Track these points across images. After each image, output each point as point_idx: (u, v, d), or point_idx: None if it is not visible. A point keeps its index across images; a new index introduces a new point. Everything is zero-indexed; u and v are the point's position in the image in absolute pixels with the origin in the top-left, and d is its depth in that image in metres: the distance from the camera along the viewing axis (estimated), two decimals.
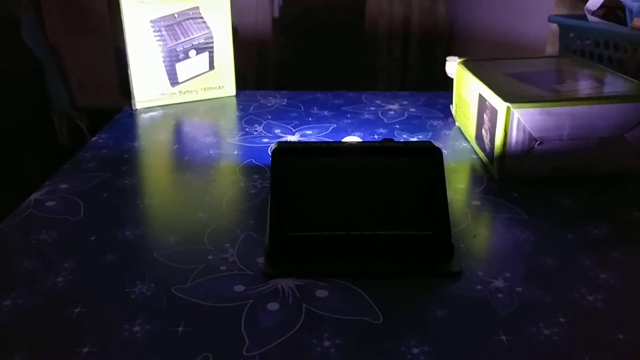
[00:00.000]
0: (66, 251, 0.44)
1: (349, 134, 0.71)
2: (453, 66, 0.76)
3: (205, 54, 0.82)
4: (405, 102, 0.84)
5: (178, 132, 0.73)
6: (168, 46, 0.78)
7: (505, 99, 0.55)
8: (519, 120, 0.55)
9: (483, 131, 0.61)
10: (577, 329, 0.36)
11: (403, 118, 0.77)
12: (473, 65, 0.70)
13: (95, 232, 0.47)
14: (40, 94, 1.29)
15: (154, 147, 0.67)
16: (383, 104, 0.83)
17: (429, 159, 0.44)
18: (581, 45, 0.87)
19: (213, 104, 0.83)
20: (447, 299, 0.39)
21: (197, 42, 0.81)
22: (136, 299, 0.38)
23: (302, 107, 0.81)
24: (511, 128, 0.55)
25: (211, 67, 0.83)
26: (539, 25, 1.47)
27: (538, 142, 0.56)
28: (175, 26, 0.78)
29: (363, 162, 0.45)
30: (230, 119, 0.77)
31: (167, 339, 0.35)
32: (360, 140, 0.62)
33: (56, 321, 0.36)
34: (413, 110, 0.80)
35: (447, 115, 0.78)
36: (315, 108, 0.81)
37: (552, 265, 0.43)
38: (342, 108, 0.81)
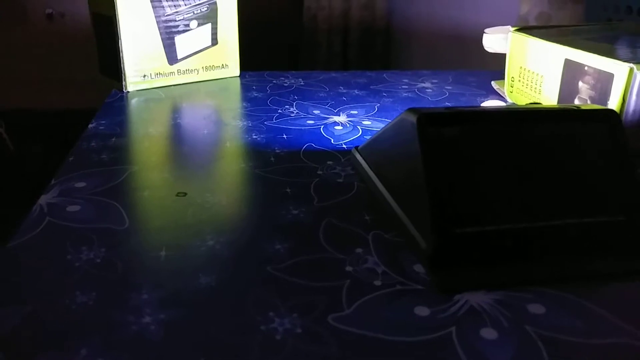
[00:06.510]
0: (133, 277, 0.30)
1: (398, 112, 0.60)
2: (497, 39, 0.67)
3: (208, 26, 0.68)
4: (435, 80, 0.74)
5: (196, 116, 0.58)
6: (167, 14, 0.64)
7: (625, 60, 0.47)
8: None
9: (577, 102, 0.53)
10: None
11: (446, 96, 0.67)
12: (533, 33, 0.62)
13: (161, 245, 0.33)
14: None
15: (177, 133, 0.53)
16: (413, 82, 0.73)
17: (609, 125, 0.35)
18: (607, 15, 0.82)
19: (218, 85, 0.69)
20: None
21: (199, 11, 0.66)
22: (285, 340, 0.25)
23: (327, 87, 0.69)
24: (630, 94, 0.47)
25: (214, 42, 0.69)
26: (492, 15, 1.44)
27: None
28: None
29: (530, 130, 0.34)
30: (250, 100, 0.64)
31: None
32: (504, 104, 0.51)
33: None
34: (449, 88, 0.71)
35: (489, 91, 0.69)
36: (341, 87, 0.69)
37: None
38: (372, 87, 0.70)
